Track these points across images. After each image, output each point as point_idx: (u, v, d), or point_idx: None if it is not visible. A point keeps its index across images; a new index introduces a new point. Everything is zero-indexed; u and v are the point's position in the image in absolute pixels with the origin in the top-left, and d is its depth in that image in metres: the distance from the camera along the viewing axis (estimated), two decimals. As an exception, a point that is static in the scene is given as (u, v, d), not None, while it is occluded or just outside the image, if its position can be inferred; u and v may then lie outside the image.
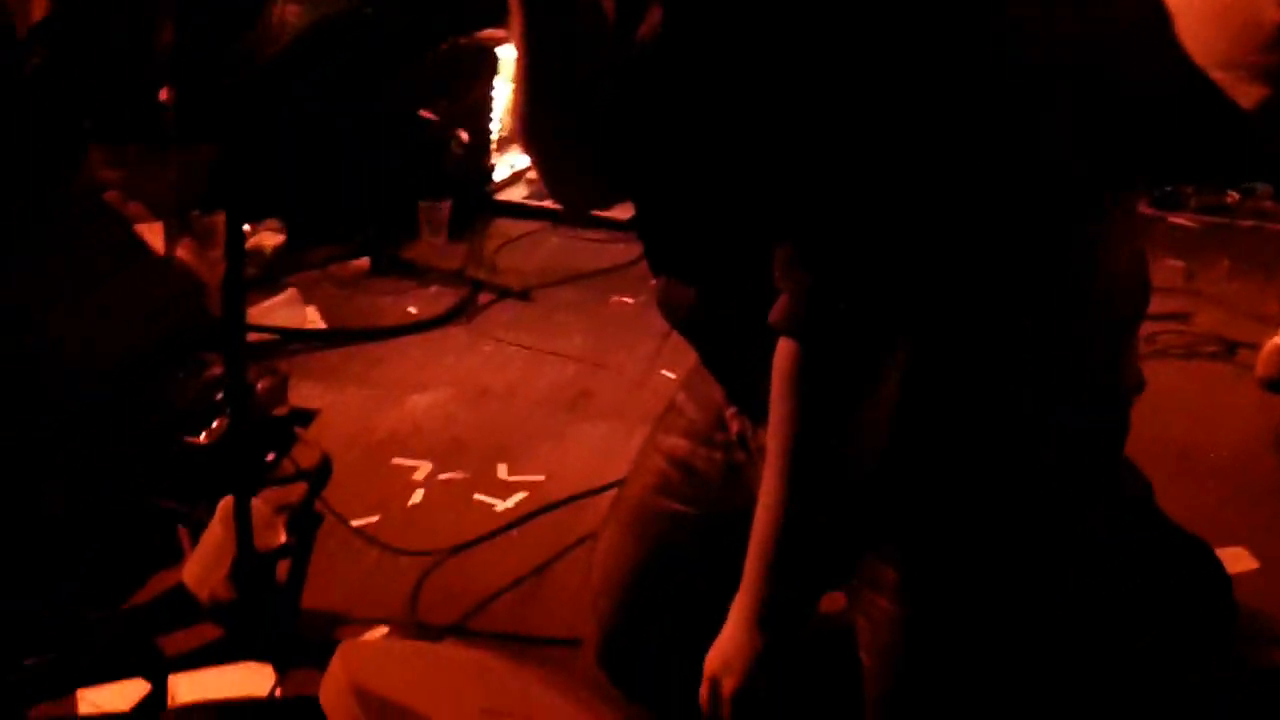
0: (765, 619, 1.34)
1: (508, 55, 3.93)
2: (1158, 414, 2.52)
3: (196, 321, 2.77)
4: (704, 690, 1.39)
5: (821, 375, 1.24)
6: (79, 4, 3.31)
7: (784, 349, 1.24)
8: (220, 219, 3.55)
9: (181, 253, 2.98)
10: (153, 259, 2.70)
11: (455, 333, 3.27)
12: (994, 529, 1.37)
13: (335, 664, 1.58)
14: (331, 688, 1.57)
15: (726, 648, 1.37)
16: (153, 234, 2.91)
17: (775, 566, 1.32)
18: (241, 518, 1.97)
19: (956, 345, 1.29)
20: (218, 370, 2.68)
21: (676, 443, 1.63)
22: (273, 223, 3.66)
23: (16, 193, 2.50)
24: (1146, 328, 2.77)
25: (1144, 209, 3.79)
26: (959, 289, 1.25)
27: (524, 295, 3.47)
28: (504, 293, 3.47)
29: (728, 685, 1.36)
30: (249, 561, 1.98)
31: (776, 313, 1.23)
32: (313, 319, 3.25)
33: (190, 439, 2.44)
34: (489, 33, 3.98)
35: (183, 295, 2.72)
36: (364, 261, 3.60)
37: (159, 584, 2.13)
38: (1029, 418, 1.33)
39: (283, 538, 2.13)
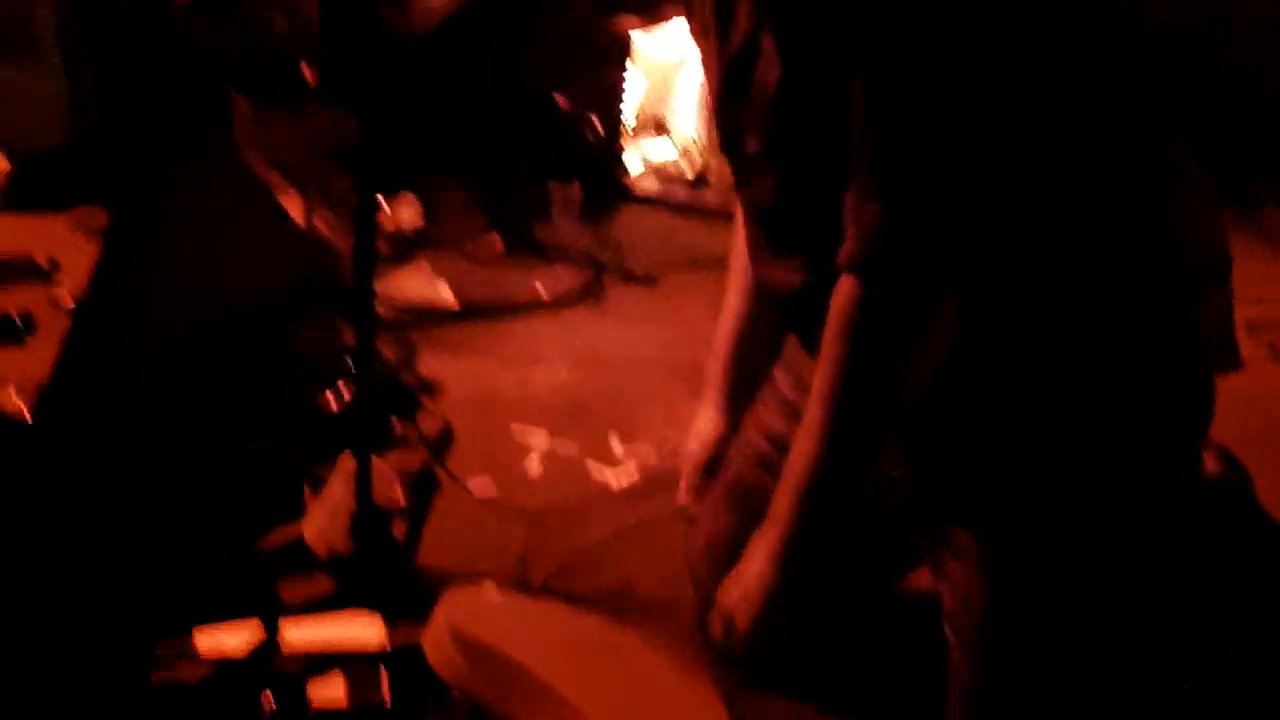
0: (790, 557, 1.35)
1: (641, 41, 3.99)
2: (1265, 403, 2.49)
3: (331, 287, 2.88)
4: (715, 622, 1.40)
5: (878, 314, 1.27)
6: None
7: (844, 287, 1.27)
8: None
9: (319, 223, 3.09)
10: (289, 224, 2.81)
11: (580, 312, 3.34)
12: (1062, 498, 1.38)
13: (438, 613, 1.65)
14: (434, 635, 1.64)
15: (747, 582, 1.38)
16: (291, 203, 3.02)
17: (806, 504, 1.34)
18: (362, 476, 2.06)
19: (1011, 301, 1.31)
20: (349, 336, 2.79)
21: (774, 420, 1.67)
22: (408, 197, 3.77)
23: (165, 141, 2.62)
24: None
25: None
26: (1023, 234, 1.27)
27: (648, 279, 3.53)
28: (629, 275, 3.53)
29: (742, 619, 1.38)
30: (368, 518, 2.07)
31: (843, 253, 1.27)
32: (442, 292, 3.34)
33: (319, 398, 2.54)
34: (624, 18, 4.04)
35: (318, 262, 2.82)
36: (496, 240, 3.68)
37: (281, 536, 2.23)
38: (1087, 383, 1.34)
39: (400, 496, 2.22)
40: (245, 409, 2.44)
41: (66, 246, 1.66)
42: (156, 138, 2.65)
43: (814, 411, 1.32)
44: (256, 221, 2.53)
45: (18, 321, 1.36)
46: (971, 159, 1.23)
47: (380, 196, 3.73)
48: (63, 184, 2.30)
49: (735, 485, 1.75)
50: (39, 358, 1.32)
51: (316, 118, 3.92)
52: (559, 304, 3.37)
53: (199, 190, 2.32)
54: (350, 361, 2.65)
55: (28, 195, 2.20)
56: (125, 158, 2.50)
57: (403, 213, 3.70)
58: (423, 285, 3.33)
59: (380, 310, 3.19)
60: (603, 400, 2.85)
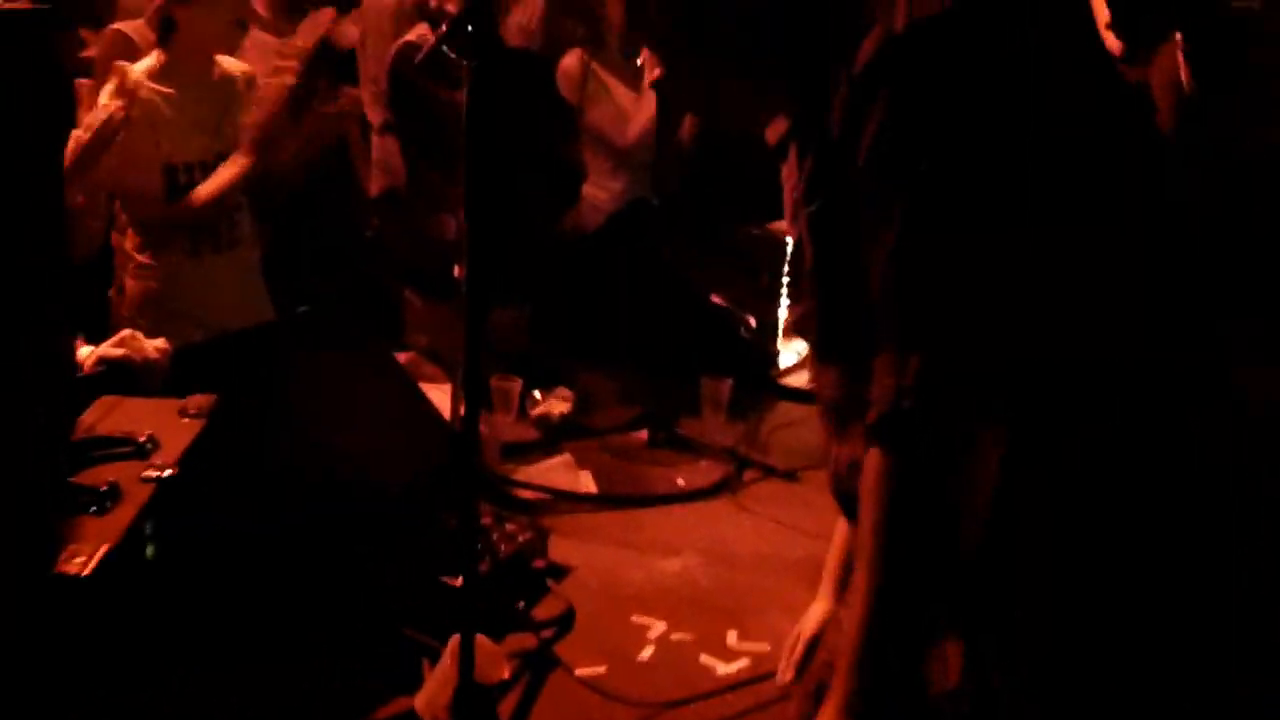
0: (855, 712, 1.38)
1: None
2: None
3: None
4: None
5: (905, 483, 1.32)
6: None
7: (871, 456, 1.33)
8: (515, 385, 3.84)
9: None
10: (433, 416, 2.95)
11: (718, 505, 3.40)
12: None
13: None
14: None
15: None
16: (442, 393, 3.17)
17: (859, 671, 1.37)
18: (465, 653, 2.14)
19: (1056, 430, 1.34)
20: (486, 520, 2.91)
21: None
22: (563, 391, 3.92)
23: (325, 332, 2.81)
24: None
25: None
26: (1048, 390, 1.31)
27: (790, 475, 3.58)
28: (770, 470, 3.59)
29: None
30: (469, 693, 2.14)
31: (868, 420, 1.33)
32: (585, 483, 3.44)
33: (446, 579, 2.64)
34: (778, 225, 4.17)
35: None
36: (642, 433, 3.79)
37: (397, 707, 2.32)
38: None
39: (507, 674, 2.29)
40: (381, 590, 2.55)
41: (171, 427, 1.79)
42: (319, 329, 2.84)
43: (859, 577, 1.37)
44: (394, 413, 2.68)
45: (102, 494, 1.49)
46: (991, 337, 1.29)
47: (536, 390, 3.91)
48: (219, 368, 2.48)
49: (826, 664, 1.78)
50: (115, 527, 1.44)
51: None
52: (697, 496, 3.44)
53: (340, 380, 2.47)
54: (483, 545, 2.77)
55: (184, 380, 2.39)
56: (282, 344, 2.69)
57: (555, 404, 3.84)
58: (565, 473, 3.45)
59: (521, 495, 3.34)
60: (726, 594, 2.88)
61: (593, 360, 4.11)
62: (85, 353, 2.62)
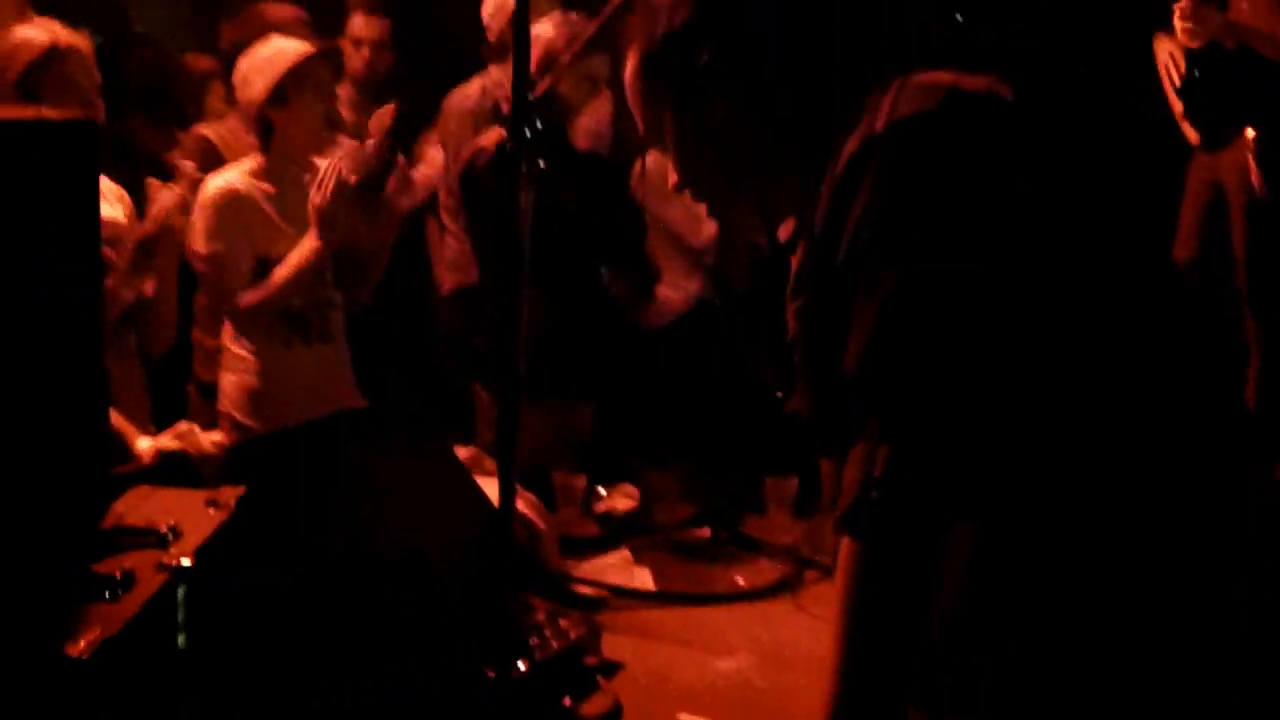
0: None
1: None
2: None
3: (525, 567, 3.04)
4: None
5: (873, 573, 1.33)
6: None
7: (844, 544, 1.35)
8: (580, 481, 3.88)
9: (521, 505, 3.27)
10: (485, 510, 2.98)
11: (777, 605, 3.39)
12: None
13: None
14: None
15: None
16: (493, 486, 3.21)
17: None
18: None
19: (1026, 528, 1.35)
20: (538, 615, 2.94)
21: None
22: (627, 488, 3.94)
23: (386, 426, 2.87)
24: None
25: None
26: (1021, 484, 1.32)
27: (852, 575, 3.55)
28: (831, 571, 3.56)
29: None
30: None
31: (838, 510, 1.35)
32: (643, 579, 3.46)
33: (490, 673, 2.65)
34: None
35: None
36: (704, 531, 3.80)
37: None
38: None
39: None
40: (431, 683, 2.57)
41: (196, 518, 1.84)
42: (380, 421, 2.90)
43: (832, 653, 1.39)
44: (447, 506, 2.71)
45: (117, 580, 1.53)
46: (961, 431, 1.31)
47: (601, 487, 3.95)
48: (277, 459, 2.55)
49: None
50: (122, 613, 1.48)
51: (553, 410, 4.20)
52: (756, 596, 3.43)
53: (393, 472, 2.52)
54: (532, 639, 2.79)
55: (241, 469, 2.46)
56: (339, 436, 2.74)
57: (619, 501, 3.87)
58: (623, 570, 3.46)
59: (579, 590, 3.36)
60: (778, 696, 2.86)
61: (658, 456, 4.13)
62: (145, 444, 2.70)
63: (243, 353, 3.70)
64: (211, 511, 1.83)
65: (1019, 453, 1.38)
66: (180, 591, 1.71)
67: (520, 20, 1.90)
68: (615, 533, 3.73)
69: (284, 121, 3.64)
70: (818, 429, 1.58)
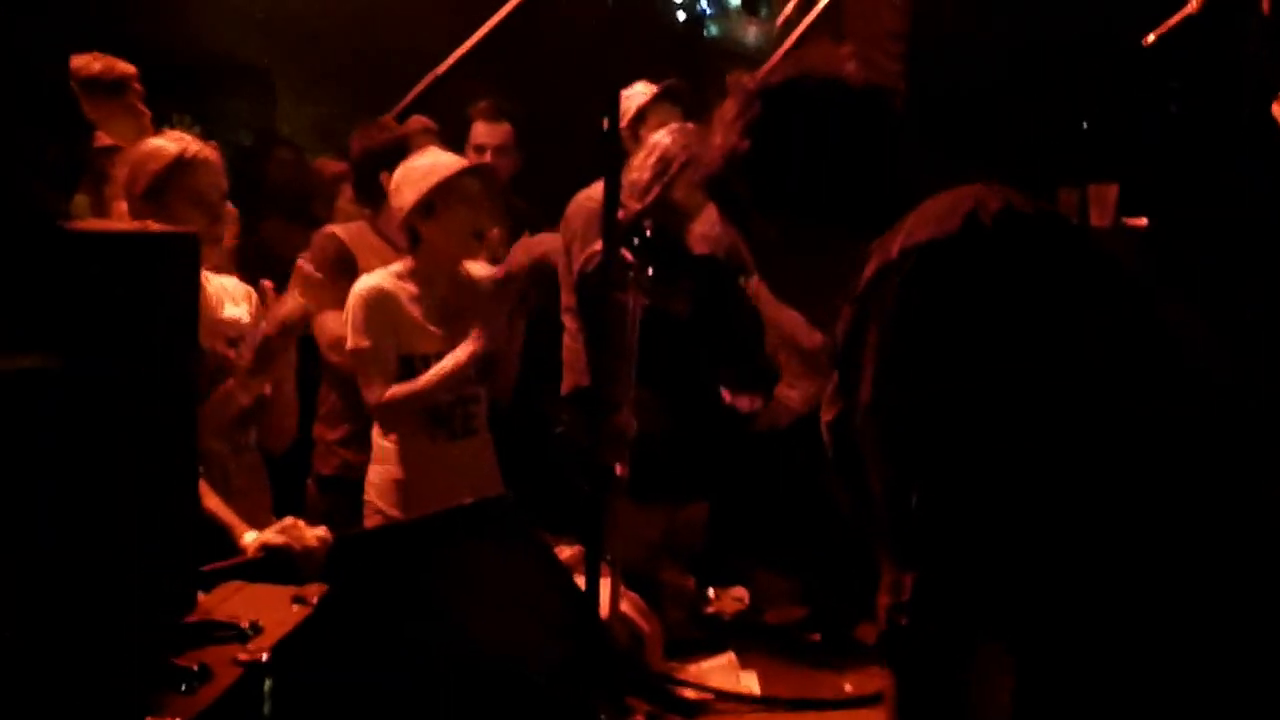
0: None
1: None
2: None
3: (626, 669, 3.05)
4: None
5: (911, 703, 1.32)
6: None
7: (886, 674, 1.34)
8: (689, 583, 3.87)
9: (625, 605, 3.28)
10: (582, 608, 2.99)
11: (883, 712, 3.33)
12: None
13: None
14: None
15: None
16: (603, 588, 3.22)
17: None
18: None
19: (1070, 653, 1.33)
20: (638, 717, 2.94)
21: None
22: (738, 591, 3.92)
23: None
24: None
25: None
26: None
27: (963, 685, 3.49)
28: (941, 679, 3.51)
29: None
30: None
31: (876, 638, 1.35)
32: (749, 683, 3.43)
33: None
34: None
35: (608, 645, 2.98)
36: (814, 635, 3.76)
37: None
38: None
39: None
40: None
41: (280, 614, 1.88)
42: (485, 519, 2.94)
43: None
44: (544, 605, 2.73)
45: (194, 673, 1.57)
46: (988, 554, 1.30)
47: (711, 589, 3.93)
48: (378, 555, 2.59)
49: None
50: (194, 706, 1.52)
51: (664, 511, 4.21)
52: (863, 703, 3.37)
53: (489, 570, 2.55)
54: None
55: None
56: (439, 533, 2.79)
57: (728, 603, 3.85)
58: (728, 673, 3.43)
59: (681, 693, 3.34)
60: (879, 806, 2.81)
61: (770, 559, 4.11)
62: (250, 538, 2.79)
63: (388, 444, 3.90)
64: (295, 608, 1.88)
65: (1043, 571, 1.37)
66: (266, 684, 1.77)
67: (611, 134, 1.96)
68: (722, 635, 3.71)
69: (430, 231, 3.88)
70: (861, 534, 1.59)
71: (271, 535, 2.78)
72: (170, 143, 3.39)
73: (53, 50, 1.48)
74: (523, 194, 5.49)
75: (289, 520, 2.85)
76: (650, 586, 3.71)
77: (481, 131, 5.37)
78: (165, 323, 1.51)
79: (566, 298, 4.54)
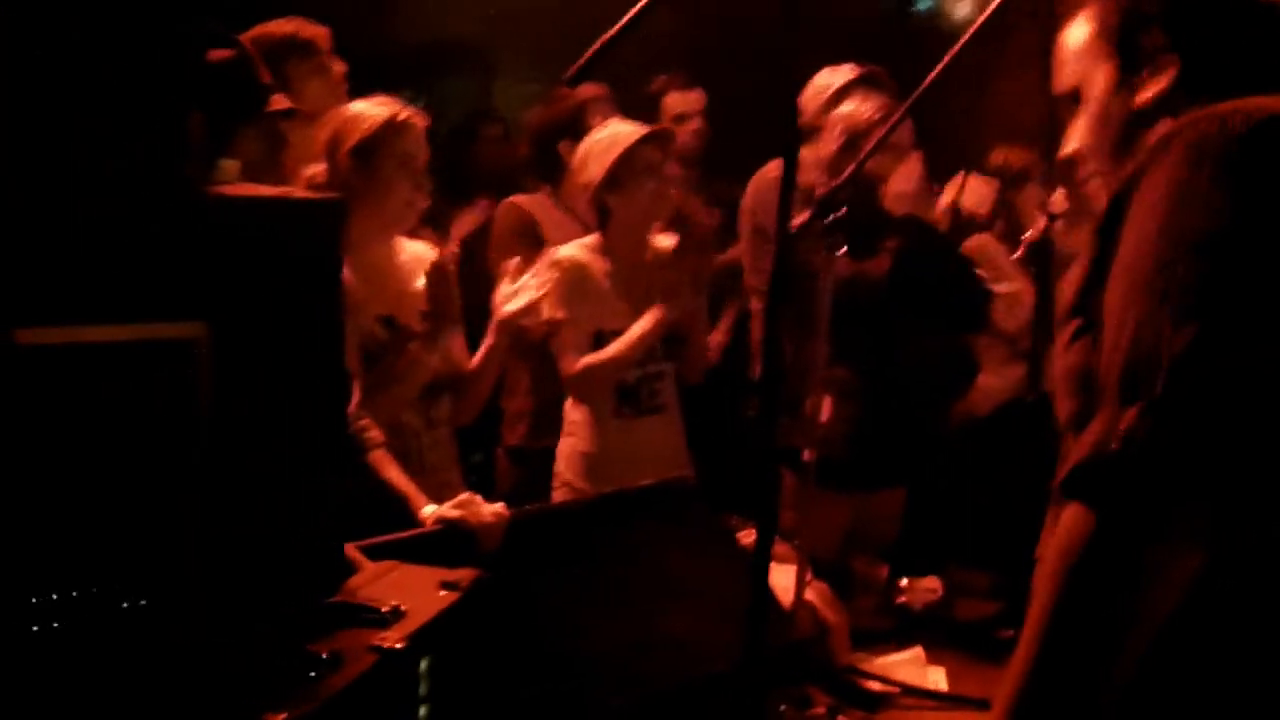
0: None
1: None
2: None
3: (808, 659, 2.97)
4: None
5: (1092, 553, 1.21)
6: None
7: (1064, 517, 1.24)
8: (880, 571, 3.75)
9: (811, 595, 3.18)
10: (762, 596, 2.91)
11: (1079, 716, 3.17)
12: None
13: None
14: None
15: None
16: (787, 574, 3.14)
17: None
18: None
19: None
20: (820, 709, 2.85)
21: None
22: (930, 581, 3.78)
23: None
24: None
25: None
26: None
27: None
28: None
29: None
30: None
31: (1061, 473, 1.25)
32: (936, 679, 3.30)
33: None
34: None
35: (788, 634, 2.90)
36: (1007, 632, 3.59)
37: None
38: None
39: None
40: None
41: (426, 598, 1.82)
42: (665, 501, 2.89)
43: (1021, 646, 1.30)
44: (721, 591, 2.66)
45: (324, 660, 1.53)
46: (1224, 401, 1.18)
47: (904, 579, 3.80)
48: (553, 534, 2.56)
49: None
50: (319, 694, 1.47)
51: (859, 497, 4.10)
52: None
53: (666, 555, 2.49)
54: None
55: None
56: (614, 515, 2.74)
57: (919, 594, 3.72)
58: (915, 667, 3.31)
59: (865, 685, 3.23)
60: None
61: (968, 550, 3.96)
62: (429, 511, 2.79)
63: (578, 418, 3.91)
64: (443, 593, 1.84)
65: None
66: (424, 664, 1.73)
67: (789, 114, 1.88)
68: (912, 628, 3.58)
69: (618, 204, 3.86)
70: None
71: (448, 510, 2.78)
72: (381, 106, 3.41)
73: (190, 21, 1.46)
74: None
75: (466, 495, 2.84)
76: (840, 575, 3.61)
77: (678, 100, 5.36)
78: (309, 288, 1.49)
79: (752, 279, 4.45)
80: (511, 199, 4.50)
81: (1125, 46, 1.69)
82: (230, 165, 1.58)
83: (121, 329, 1.41)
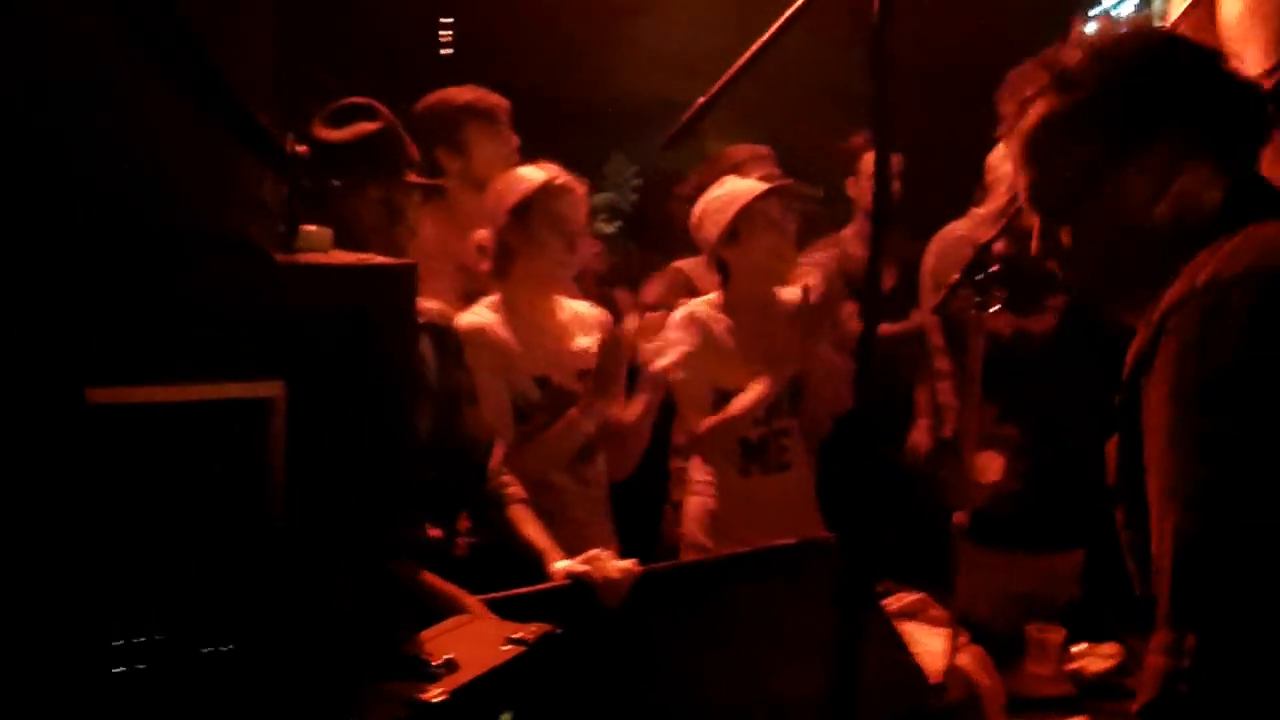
0: None
1: None
2: None
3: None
4: None
5: None
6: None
7: None
8: (1055, 636, 3.62)
9: (964, 659, 3.10)
10: (904, 663, 2.85)
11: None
12: None
13: None
14: None
15: None
16: (935, 637, 3.07)
17: None
18: None
19: None
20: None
21: None
22: (1109, 647, 3.63)
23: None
24: None
25: None
26: None
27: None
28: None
29: None
30: None
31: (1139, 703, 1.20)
32: (1102, 750, 3.16)
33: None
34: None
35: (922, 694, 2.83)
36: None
37: None
38: None
39: None
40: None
41: (485, 652, 1.82)
42: (808, 559, 2.86)
43: None
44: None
45: (364, 712, 1.54)
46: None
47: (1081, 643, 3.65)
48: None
49: None
50: None
51: (1035, 559, 3.97)
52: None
53: (792, 613, 2.46)
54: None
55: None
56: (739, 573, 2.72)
57: (1094, 661, 3.57)
58: (1079, 738, 3.18)
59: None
60: None
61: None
62: (560, 566, 2.82)
63: (703, 476, 3.85)
64: (506, 648, 1.84)
65: None
66: (506, 717, 1.75)
67: (880, 162, 1.86)
68: (1087, 695, 3.44)
69: (737, 258, 3.79)
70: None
71: (576, 564, 2.81)
72: (539, 171, 3.52)
73: (265, 92, 1.54)
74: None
75: (594, 550, 2.86)
76: (1014, 639, 3.49)
77: (869, 162, 5.32)
78: (378, 351, 1.54)
79: (936, 338, 4.38)
80: (676, 263, 4.55)
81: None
82: (320, 232, 1.65)
83: (195, 388, 1.49)
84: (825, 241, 5.19)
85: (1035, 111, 1.70)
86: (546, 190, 3.47)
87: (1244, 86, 1.61)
